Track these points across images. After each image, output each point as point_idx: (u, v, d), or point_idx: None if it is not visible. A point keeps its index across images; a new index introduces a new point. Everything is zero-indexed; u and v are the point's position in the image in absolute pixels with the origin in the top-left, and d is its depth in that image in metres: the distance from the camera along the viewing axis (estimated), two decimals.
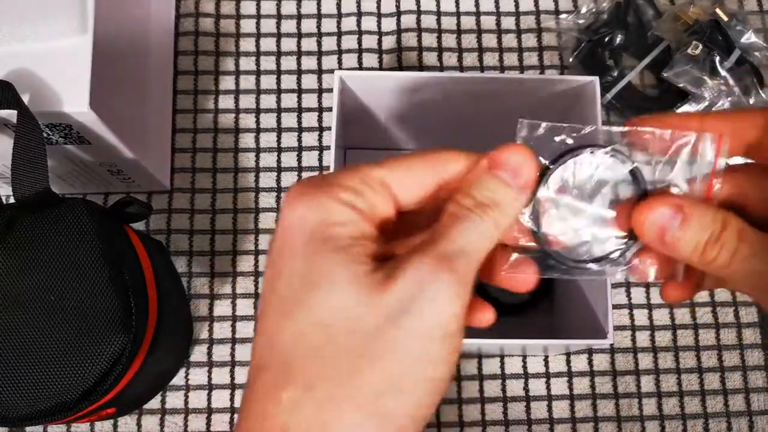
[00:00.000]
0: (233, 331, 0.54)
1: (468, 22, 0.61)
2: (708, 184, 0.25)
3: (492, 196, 0.23)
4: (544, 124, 0.24)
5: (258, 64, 0.60)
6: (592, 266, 0.25)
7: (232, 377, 0.54)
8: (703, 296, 0.56)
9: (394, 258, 0.23)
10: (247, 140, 0.58)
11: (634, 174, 0.25)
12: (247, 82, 0.59)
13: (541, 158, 0.24)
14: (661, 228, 0.24)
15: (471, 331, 0.44)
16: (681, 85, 0.56)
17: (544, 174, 0.24)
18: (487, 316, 0.26)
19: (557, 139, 0.24)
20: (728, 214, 0.24)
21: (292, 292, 0.22)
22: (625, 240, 0.25)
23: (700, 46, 0.56)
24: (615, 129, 0.25)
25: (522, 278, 0.25)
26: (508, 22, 0.61)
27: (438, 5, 0.61)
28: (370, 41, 0.60)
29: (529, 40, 0.61)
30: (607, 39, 0.59)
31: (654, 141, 0.25)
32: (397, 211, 0.25)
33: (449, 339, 0.22)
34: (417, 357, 0.21)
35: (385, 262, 0.23)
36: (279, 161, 0.58)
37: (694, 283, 0.27)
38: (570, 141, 0.24)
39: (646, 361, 0.55)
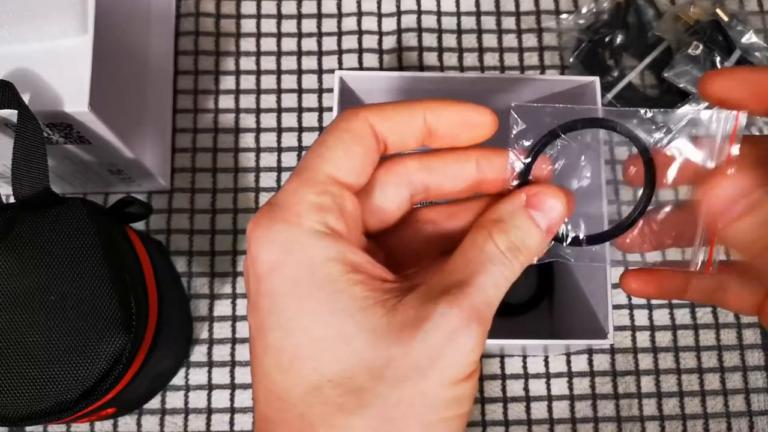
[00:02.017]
0: (233, 331, 0.54)
1: (468, 22, 0.61)
2: (727, 154, 0.23)
3: (524, 238, 0.23)
4: (532, 106, 0.24)
5: (258, 64, 0.60)
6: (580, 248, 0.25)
7: (232, 377, 0.54)
8: None
9: (410, 293, 0.21)
10: (248, 140, 0.58)
11: (646, 154, 0.24)
12: (248, 81, 0.59)
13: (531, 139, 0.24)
14: (729, 204, 0.22)
15: None
16: (681, 85, 0.56)
17: (537, 152, 0.24)
18: None
19: (550, 121, 0.24)
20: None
21: (297, 348, 0.21)
22: (623, 221, 0.25)
23: (701, 47, 0.56)
24: (611, 109, 0.24)
25: None
26: (508, 22, 0.61)
27: (438, 5, 0.61)
28: (370, 41, 0.60)
29: (530, 40, 0.61)
30: (607, 39, 0.59)
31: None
32: (361, 197, 0.23)
33: (472, 378, 0.22)
34: (446, 402, 0.21)
35: (397, 296, 0.21)
36: (279, 161, 0.58)
37: (670, 283, 0.26)
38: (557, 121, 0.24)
39: (646, 361, 0.55)
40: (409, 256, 0.26)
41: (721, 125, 0.23)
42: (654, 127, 0.24)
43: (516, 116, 0.24)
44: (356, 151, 0.22)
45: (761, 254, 0.22)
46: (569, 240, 0.25)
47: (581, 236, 0.25)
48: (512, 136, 0.24)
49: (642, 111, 0.24)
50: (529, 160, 0.24)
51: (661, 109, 0.24)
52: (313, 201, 0.21)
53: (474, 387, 0.22)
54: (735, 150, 0.23)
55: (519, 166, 0.24)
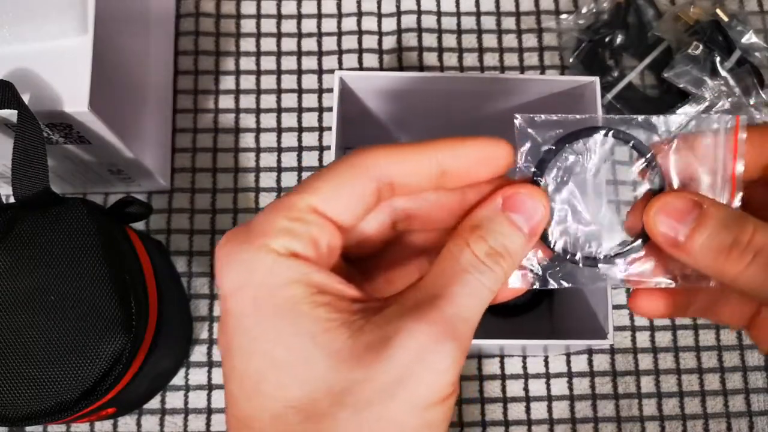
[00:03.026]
0: None
1: (468, 22, 0.61)
2: (731, 171, 0.22)
3: (505, 243, 0.21)
4: (541, 117, 0.23)
5: (258, 64, 0.60)
6: (588, 269, 0.23)
7: None
8: None
9: (379, 312, 0.20)
10: (248, 140, 0.58)
11: (652, 162, 0.22)
12: (248, 82, 0.59)
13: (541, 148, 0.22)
14: (674, 225, 0.21)
15: None
16: (681, 85, 0.56)
17: (541, 167, 0.23)
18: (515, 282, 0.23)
19: (554, 132, 0.23)
20: (756, 220, 0.21)
21: (258, 373, 0.20)
22: (632, 241, 0.23)
23: (701, 47, 0.56)
24: (616, 117, 0.23)
25: (514, 291, 0.23)
26: (508, 23, 0.61)
27: (438, 5, 0.61)
28: (370, 41, 0.60)
29: (530, 41, 0.61)
30: (607, 39, 0.59)
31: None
32: (347, 232, 0.22)
33: (447, 401, 0.20)
34: (416, 428, 0.19)
35: (366, 317, 0.20)
36: (279, 161, 0.58)
37: (679, 301, 0.25)
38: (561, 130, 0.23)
39: (646, 361, 0.55)
40: (398, 281, 0.25)
41: (722, 134, 0.22)
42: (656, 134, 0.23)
43: (520, 129, 0.23)
44: (350, 189, 0.21)
45: None
46: (582, 259, 0.23)
47: (597, 254, 0.23)
48: (519, 150, 0.23)
49: (648, 117, 0.23)
50: (533, 169, 0.23)
51: (663, 115, 0.23)
52: (283, 226, 0.21)
53: (449, 410, 0.20)
54: (740, 167, 0.22)
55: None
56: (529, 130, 0.23)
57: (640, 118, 0.23)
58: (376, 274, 0.25)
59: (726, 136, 0.22)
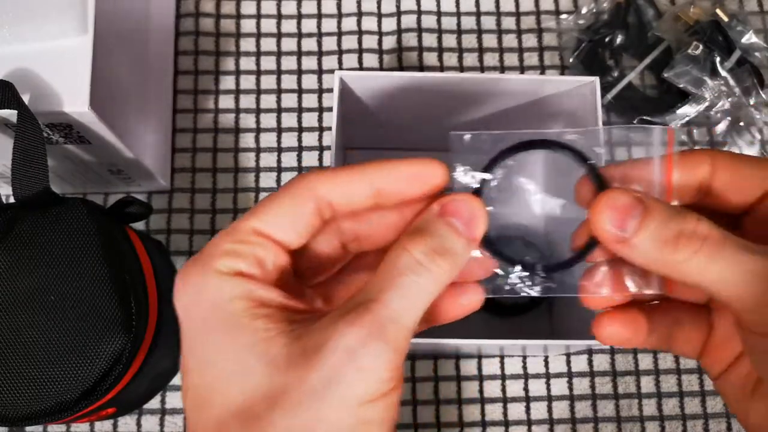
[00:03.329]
0: None
1: (468, 22, 0.61)
2: (667, 176, 0.23)
3: (443, 243, 0.22)
4: (469, 135, 0.23)
5: (258, 64, 0.60)
6: (543, 279, 0.23)
7: None
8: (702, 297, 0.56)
9: (318, 320, 0.21)
10: (247, 140, 0.58)
11: (593, 170, 0.23)
12: (247, 82, 0.59)
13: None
14: (620, 221, 0.22)
15: (471, 332, 0.44)
16: (681, 85, 0.56)
17: (482, 184, 0.23)
18: (467, 298, 0.24)
19: (491, 147, 0.23)
20: (697, 213, 0.22)
21: (205, 383, 0.21)
22: (579, 252, 0.23)
23: (701, 47, 0.56)
24: (550, 132, 0.23)
25: (468, 306, 0.24)
26: (508, 23, 0.61)
27: (438, 5, 0.61)
28: (370, 41, 0.60)
29: (530, 41, 0.61)
30: (607, 39, 0.59)
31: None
32: (293, 252, 0.23)
33: (385, 399, 0.21)
34: (351, 426, 0.20)
35: (306, 325, 0.21)
36: (279, 161, 0.58)
37: (639, 326, 0.25)
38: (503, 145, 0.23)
39: (646, 361, 0.55)
40: (348, 285, 0.26)
41: (656, 144, 0.23)
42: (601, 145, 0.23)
43: (456, 144, 0.23)
44: (289, 211, 0.23)
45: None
46: (521, 269, 0.23)
47: (538, 265, 0.23)
48: (453, 165, 0.24)
49: (566, 132, 0.23)
50: (478, 185, 0.23)
51: (590, 128, 0.23)
52: (227, 248, 0.22)
53: (389, 408, 0.21)
54: (675, 175, 0.23)
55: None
56: (466, 146, 0.23)
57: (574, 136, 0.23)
58: (335, 293, 0.26)
59: (660, 147, 0.23)
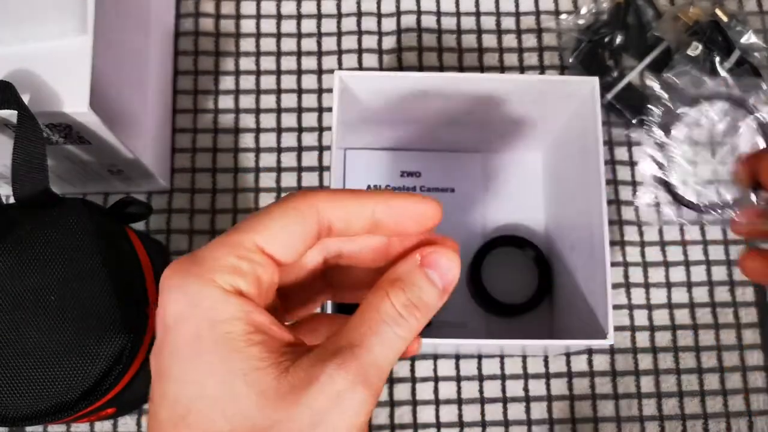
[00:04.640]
0: None
1: (468, 22, 0.61)
2: None
3: (420, 295, 0.23)
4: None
5: (258, 64, 0.60)
6: (709, 212, 0.25)
7: None
8: (703, 296, 0.56)
9: (304, 355, 0.22)
10: (247, 140, 0.58)
11: (761, 124, 0.25)
12: (247, 82, 0.59)
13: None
14: None
15: (471, 332, 0.44)
16: (681, 85, 0.56)
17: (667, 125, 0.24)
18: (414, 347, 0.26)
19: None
20: None
21: (189, 402, 0.21)
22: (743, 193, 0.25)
23: (700, 47, 0.56)
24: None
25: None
26: (508, 23, 0.61)
27: (438, 5, 0.61)
28: (370, 41, 0.60)
29: (529, 41, 0.61)
30: (607, 39, 0.59)
31: None
32: (279, 268, 0.23)
33: None
34: None
35: (292, 359, 0.22)
36: (279, 161, 0.58)
37: None
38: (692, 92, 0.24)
39: (645, 361, 0.55)
40: (326, 322, 0.27)
41: None
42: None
43: None
44: (294, 230, 0.23)
45: None
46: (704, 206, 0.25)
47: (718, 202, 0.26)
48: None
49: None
50: None
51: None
52: (231, 263, 0.22)
53: None
54: None
55: None
56: None
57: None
58: (298, 302, 0.27)
59: None
